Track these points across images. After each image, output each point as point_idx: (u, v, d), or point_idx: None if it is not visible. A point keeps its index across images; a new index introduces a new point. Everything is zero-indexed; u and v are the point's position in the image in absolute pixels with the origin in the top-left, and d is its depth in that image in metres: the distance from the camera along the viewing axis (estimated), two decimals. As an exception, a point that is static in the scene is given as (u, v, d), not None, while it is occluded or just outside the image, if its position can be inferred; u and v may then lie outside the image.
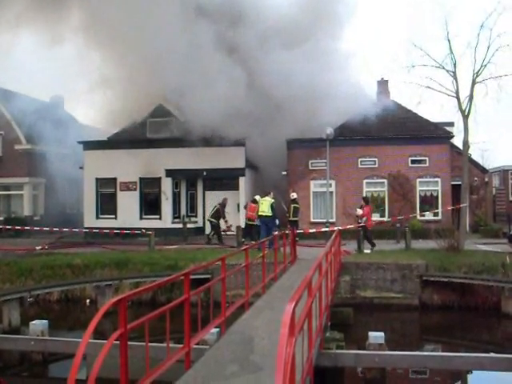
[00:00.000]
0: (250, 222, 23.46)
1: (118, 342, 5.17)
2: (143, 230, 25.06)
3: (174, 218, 30.28)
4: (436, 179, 28.41)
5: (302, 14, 28.58)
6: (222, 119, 25.95)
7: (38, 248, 23.56)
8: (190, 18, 26.66)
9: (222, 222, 25.50)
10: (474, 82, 21.53)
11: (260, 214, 21.52)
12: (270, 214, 21.21)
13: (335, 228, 21.45)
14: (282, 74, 27.09)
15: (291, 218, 23.15)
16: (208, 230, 29.92)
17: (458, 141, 27.75)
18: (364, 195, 25.58)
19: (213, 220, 25.08)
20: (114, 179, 30.40)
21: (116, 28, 26.61)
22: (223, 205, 25.52)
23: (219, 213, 25.12)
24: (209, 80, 26.09)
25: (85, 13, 27.88)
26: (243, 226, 24.13)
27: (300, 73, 26.91)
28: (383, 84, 32.57)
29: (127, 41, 26.66)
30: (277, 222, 21.60)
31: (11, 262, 20.55)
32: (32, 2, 27.47)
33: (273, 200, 21.66)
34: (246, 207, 24.70)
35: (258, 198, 23.79)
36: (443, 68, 21.79)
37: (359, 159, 28.79)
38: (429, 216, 27.59)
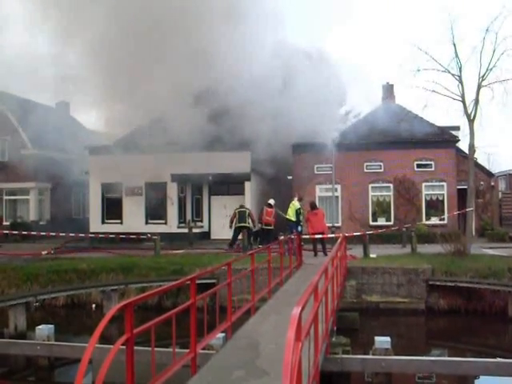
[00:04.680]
0: (268, 227, 23.41)
1: (124, 347, 5.17)
2: (149, 235, 25.06)
3: (180, 222, 30.28)
4: (442, 183, 28.38)
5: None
6: (227, 123, 25.92)
7: (44, 253, 23.58)
8: None
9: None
10: (479, 86, 21.51)
11: (287, 217, 21.74)
12: (293, 218, 21.30)
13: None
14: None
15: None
16: (214, 235, 30.03)
17: (463, 145, 27.78)
18: (313, 200, 24.39)
19: (246, 225, 23.97)
20: (120, 184, 30.42)
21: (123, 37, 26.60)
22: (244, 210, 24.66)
23: (252, 216, 24.29)
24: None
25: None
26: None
27: (306, 78, 26.85)
28: (388, 88, 32.61)
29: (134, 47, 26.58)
30: (299, 228, 21.49)
31: (17, 267, 20.61)
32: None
33: (299, 206, 21.65)
34: (261, 211, 24.37)
35: (272, 201, 23.80)
36: (449, 72, 21.79)
37: (365, 163, 28.78)
38: (435, 220, 27.53)
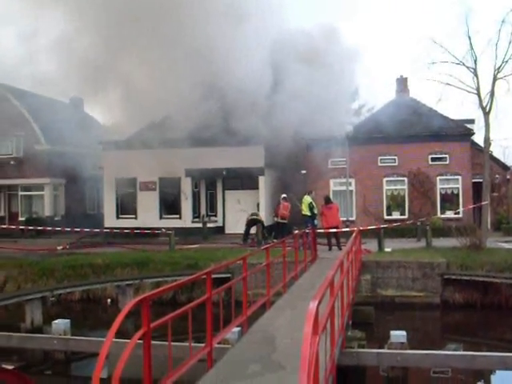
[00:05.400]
0: (282, 221, 23.44)
1: (140, 342, 5.18)
2: (163, 230, 25.11)
3: (194, 217, 30.31)
4: (457, 177, 28.17)
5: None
6: (240, 118, 25.83)
7: (59, 248, 23.74)
8: None
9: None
10: (495, 78, 21.33)
11: (302, 213, 21.72)
12: (308, 213, 21.27)
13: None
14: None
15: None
16: (228, 230, 30.03)
17: (478, 138, 27.56)
18: (328, 195, 24.14)
19: (258, 218, 24.49)
20: (134, 179, 30.51)
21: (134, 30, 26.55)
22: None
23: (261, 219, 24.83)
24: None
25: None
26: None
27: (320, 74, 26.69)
28: (403, 81, 32.39)
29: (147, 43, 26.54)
30: (315, 222, 21.41)
31: (33, 262, 20.78)
32: None
33: (310, 200, 21.59)
34: (277, 205, 24.40)
35: (285, 195, 23.90)
36: (463, 65, 21.63)
37: (379, 157, 28.63)
38: (450, 214, 27.38)
